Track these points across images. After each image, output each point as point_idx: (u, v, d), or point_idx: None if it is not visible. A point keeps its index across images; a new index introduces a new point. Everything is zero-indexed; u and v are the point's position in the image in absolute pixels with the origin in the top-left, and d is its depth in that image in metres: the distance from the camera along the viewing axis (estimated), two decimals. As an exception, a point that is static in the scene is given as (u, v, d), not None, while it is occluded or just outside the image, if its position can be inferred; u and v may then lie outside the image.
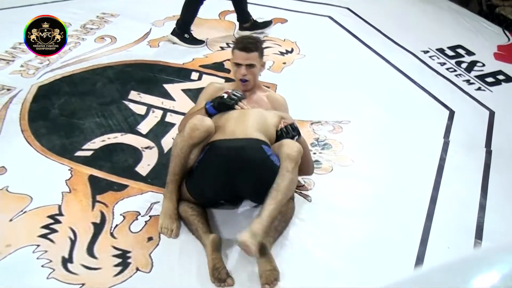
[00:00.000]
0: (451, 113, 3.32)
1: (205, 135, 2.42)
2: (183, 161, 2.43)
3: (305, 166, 2.55)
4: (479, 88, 3.65)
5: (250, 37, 2.93)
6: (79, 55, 3.80)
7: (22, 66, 3.65)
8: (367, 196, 2.67)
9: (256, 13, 4.48)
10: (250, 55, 2.70)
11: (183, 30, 4.03)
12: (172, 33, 4.06)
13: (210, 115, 2.58)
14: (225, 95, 2.62)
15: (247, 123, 2.51)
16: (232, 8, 4.21)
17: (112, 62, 3.74)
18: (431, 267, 0.80)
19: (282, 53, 3.96)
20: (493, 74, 3.82)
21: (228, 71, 3.63)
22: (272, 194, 2.25)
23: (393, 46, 4.15)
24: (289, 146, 2.36)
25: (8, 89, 3.36)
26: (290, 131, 2.52)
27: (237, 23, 4.26)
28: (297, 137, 2.52)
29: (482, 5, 4.81)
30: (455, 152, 2.99)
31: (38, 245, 2.28)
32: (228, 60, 3.60)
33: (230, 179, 2.37)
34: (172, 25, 4.17)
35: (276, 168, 2.32)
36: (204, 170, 2.43)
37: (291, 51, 4.00)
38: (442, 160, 2.92)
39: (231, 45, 2.99)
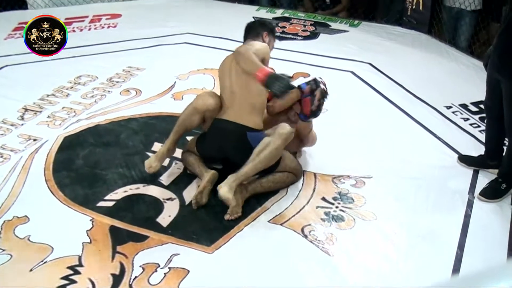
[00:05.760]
0: (476, 169, 3.27)
1: (205, 108, 2.91)
2: (186, 122, 2.97)
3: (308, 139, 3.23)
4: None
5: None
6: (104, 107, 3.88)
7: (49, 117, 3.73)
8: (390, 252, 2.62)
9: (280, 68, 4.54)
10: None
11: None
12: None
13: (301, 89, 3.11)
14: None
15: (237, 106, 2.89)
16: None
17: (137, 114, 3.80)
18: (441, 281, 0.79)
19: (304, 107, 3.97)
20: (517, 130, 3.77)
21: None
22: (252, 157, 2.72)
23: (415, 101, 4.15)
24: (282, 126, 2.79)
25: (34, 140, 3.43)
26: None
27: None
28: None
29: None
30: (480, 209, 2.93)
31: (56, 296, 2.27)
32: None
33: (220, 155, 2.94)
34: (196, 78, 4.24)
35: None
36: (204, 141, 2.98)
37: (314, 105, 4.01)
38: (467, 217, 2.86)
39: None
